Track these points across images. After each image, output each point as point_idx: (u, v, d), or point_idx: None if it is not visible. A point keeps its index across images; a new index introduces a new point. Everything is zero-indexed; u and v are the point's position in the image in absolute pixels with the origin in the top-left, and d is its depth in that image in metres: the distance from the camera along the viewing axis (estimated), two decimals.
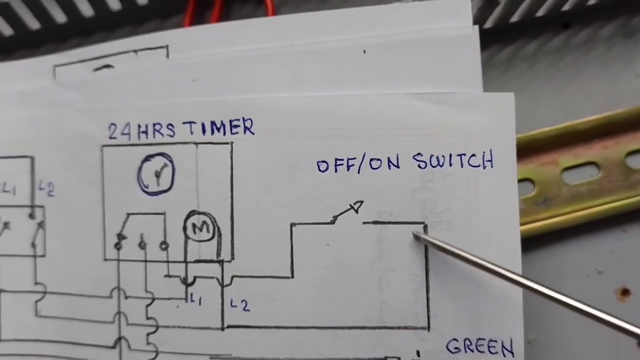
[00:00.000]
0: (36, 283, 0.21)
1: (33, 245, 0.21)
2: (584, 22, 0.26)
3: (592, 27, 0.25)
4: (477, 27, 0.19)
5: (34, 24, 0.25)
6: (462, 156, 0.18)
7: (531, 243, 0.23)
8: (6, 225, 0.21)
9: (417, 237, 0.18)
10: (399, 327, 0.19)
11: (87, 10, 0.25)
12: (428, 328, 0.19)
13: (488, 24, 0.24)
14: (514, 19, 0.24)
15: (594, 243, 0.23)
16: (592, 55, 0.25)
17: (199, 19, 0.26)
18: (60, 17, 0.25)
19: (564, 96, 0.25)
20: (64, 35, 0.26)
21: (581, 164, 0.23)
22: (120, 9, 0.25)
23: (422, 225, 0.19)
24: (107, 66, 0.20)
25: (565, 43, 0.26)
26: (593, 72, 0.25)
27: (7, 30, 0.25)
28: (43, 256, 0.21)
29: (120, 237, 0.20)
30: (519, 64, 0.26)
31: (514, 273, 0.17)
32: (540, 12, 0.24)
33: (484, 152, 0.18)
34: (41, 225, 0.21)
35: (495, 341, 0.18)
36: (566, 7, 0.24)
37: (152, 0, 0.25)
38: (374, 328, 0.19)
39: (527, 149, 0.23)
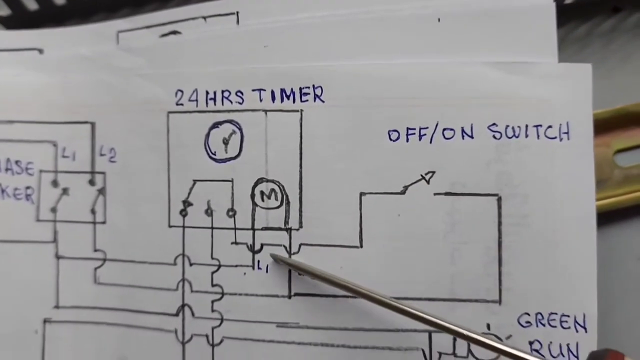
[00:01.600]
0: (95, 250, 0.21)
1: (93, 211, 0.21)
2: (634, 5, 0.25)
3: None
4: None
5: None
6: (539, 127, 0.18)
7: None
8: (65, 191, 0.21)
9: (275, 259, 0.19)
10: (469, 300, 0.18)
11: None
12: (499, 301, 0.18)
13: None
14: (567, 1, 0.24)
15: None
16: None
17: None
18: None
19: (616, 79, 0.25)
20: (115, 5, 0.26)
21: (634, 147, 0.23)
22: None
23: (497, 198, 0.18)
24: (175, 32, 0.20)
25: (616, 26, 0.26)
26: None
27: None
28: (103, 223, 0.21)
29: (186, 203, 0.20)
30: (569, 47, 0.25)
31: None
32: None
33: (560, 124, 0.18)
34: (101, 191, 0.21)
35: (568, 316, 0.18)
36: None
37: None
38: (444, 300, 0.18)
39: None
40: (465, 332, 0.16)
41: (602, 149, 0.23)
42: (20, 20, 0.26)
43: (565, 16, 0.25)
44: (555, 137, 0.18)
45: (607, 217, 0.23)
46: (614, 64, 0.25)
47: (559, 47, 0.26)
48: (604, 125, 0.23)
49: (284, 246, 0.19)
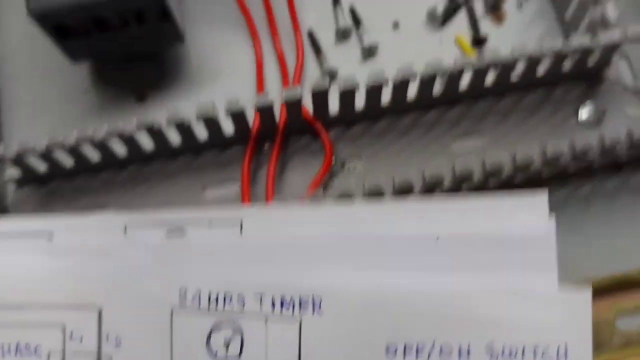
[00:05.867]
0: None
1: None
2: (637, 164, 0.25)
3: None
4: (553, 223, 0.18)
5: (94, 156, 0.26)
6: (536, 348, 0.18)
7: None
8: None
9: None
10: None
11: (147, 145, 0.26)
12: None
13: None
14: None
15: None
16: None
17: (258, 152, 0.26)
18: (120, 150, 0.26)
19: (620, 239, 0.25)
20: (121, 164, 0.27)
21: (636, 311, 0.23)
22: (180, 144, 0.26)
23: None
24: (180, 231, 0.21)
25: (620, 186, 0.25)
26: None
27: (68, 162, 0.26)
28: None
29: None
30: (573, 206, 0.25)
31: None
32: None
33: (558, 346, 0.18)
34: None
35: None
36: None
37: (211, 135, 0.26)
38: None
39: None
40: None
41: (603, 313, 0.23)
42: (29, 179, 0.27)
43: (569, 175, 0.25)
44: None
45: None
46: (618, 224, 0.25)
47: (562, 207, 0.26)
48: (606, 291, 0.23)
49: None
